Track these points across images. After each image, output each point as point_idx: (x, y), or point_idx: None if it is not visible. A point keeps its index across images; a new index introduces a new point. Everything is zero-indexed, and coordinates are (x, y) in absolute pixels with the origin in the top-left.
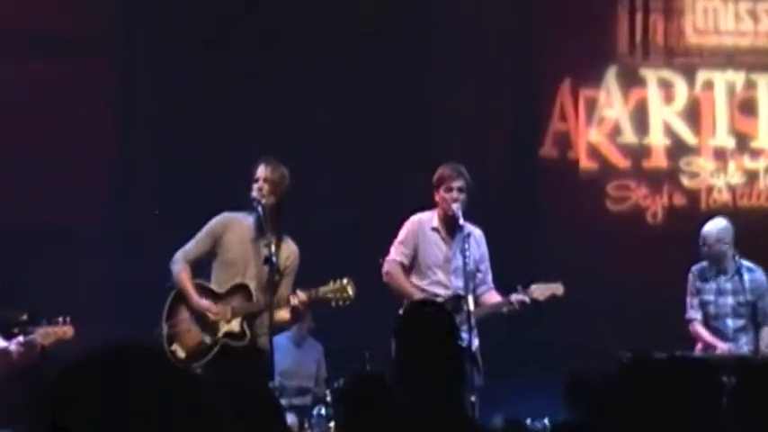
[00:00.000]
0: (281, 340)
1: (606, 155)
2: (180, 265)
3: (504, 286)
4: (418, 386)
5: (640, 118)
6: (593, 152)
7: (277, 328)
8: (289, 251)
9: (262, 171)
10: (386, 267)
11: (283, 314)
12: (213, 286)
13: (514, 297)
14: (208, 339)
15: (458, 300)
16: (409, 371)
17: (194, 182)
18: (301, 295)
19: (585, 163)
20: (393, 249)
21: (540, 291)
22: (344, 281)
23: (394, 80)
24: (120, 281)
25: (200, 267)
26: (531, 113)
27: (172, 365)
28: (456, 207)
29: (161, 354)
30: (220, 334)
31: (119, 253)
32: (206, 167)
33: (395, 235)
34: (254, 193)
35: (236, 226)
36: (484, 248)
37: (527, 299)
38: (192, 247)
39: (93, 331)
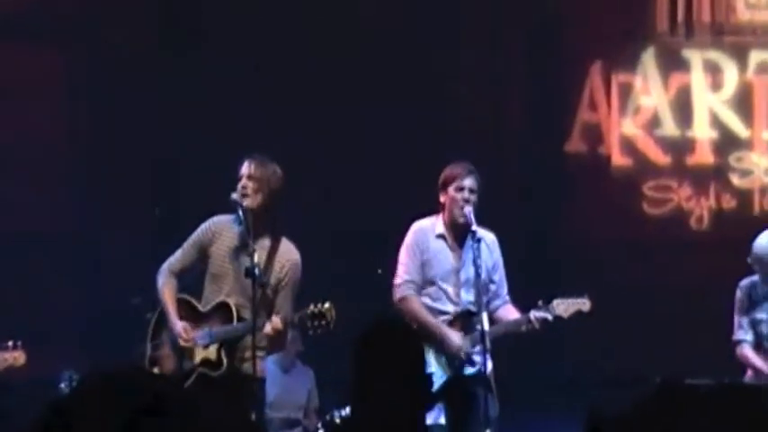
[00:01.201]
0: (268, 366)
1: (643, 150)
2: (164, 279)
3: (522, 302)
4: (375, 411)
5: (683, 107)
6: (628, 147)
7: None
8: (284, 260)
9: (245, 168)
10: (399, 292)
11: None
12: (199, 303)
13: (534, 314)
14: (185, 366)
15: (469, 316)
16: (366, 394)
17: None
18: (275, 321)
19: (619, 159)
20: (402, 268)
21: (564, 306)
22: (326, 305)
23: (400, 66)
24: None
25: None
26: (556, 102)
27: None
28: (468, 210)
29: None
30: (196, 361)
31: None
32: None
33: (401, 244)
34: (234, 195)
35: (225, 233)
36: (497, 256)
37: (549, 316)
38: (178, 257)
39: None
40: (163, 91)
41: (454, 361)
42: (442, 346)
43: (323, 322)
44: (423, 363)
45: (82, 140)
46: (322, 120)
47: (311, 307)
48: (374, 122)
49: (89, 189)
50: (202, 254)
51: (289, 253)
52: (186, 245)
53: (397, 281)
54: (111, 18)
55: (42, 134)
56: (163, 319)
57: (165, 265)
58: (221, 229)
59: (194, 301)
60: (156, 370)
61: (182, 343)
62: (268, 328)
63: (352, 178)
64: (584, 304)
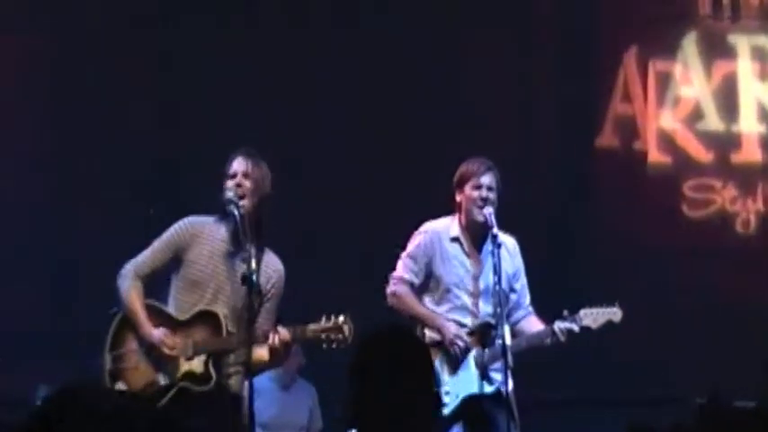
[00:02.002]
0: (264, 382)
1: (683, 146)
2: (129, 281)
3: (547, 312)
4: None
5: (728, 98)
6: (667, 142)
7: (254, 369)
8: (271, 271)
9: (241, 165)
10: (391, 287)
11: (261, 352)
12: (172, 311)
13: (559, 325)
14: (162, 380)
15: (488, 329)
16: (367, 412)
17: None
18: (283, 333)
19: (656, 156)
20: (400, 265)
21: (593, 317)
22: (341, 318)
23: (413, 54)
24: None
25: (157, 284)
26: (586, 92)
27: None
28: (487, 210)
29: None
30: (179, 374)
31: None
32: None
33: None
34: (230, 193)
35: (206, 235)
36: (519, 262)
37: (575, 327)
38: (147, 258)
39: None
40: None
41: (470, 378)
42: (447, 355)
43: (339, 336)
44: (430, 376)
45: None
46: (336, 118)
47: (324, 320)
48: (395, 123)
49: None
50: (177, 257)
51: (275, 264)
52: (157, 245)
53: (394, 275)
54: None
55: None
56: (124, 329)
57: (130, 266)
58: (201, 230)
59: (165, 308)
60: (120, 386)
61: (166, 351)
62: (274, 340)
63: (361, 180)
64: (614, 314)
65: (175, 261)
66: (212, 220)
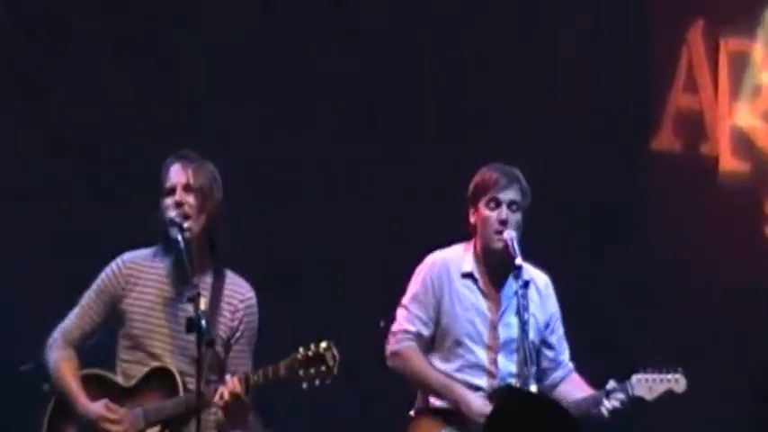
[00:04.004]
0: None
1: (765, 148)
2: (57, 352)
3: (589, 369)
4: None
5: None
6: (743, 144)
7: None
8: (236, 302)
9: (180, 175)
10: (393, 345)
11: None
12: (117, 377)
13: (605, 399)
14: None
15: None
16: None
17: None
18: (233, 383)
19: (730, 162)
20: (402, 314)
21: (649, 385)
22: (322, 345)
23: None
24: None
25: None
26: (638, 80)
27: None
28: (509, 235)
29: None
30: None
31: None
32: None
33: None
34: (171, 213)
35: (144, 276)
36: (553, 305)
37: (623, 397)
38: (76, 319)
39: None
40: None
41: None
42: (460, 417)
43: (322, 368)
44: None
45: None
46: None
47: (301, 351)
48: (401, 127)
49: None
50: (112, 310)
51: (241, 290)
52: (86, 301)
53: (395, 328)
54: None
55: None
56: (60, 412)
57: (57, 334)
58: (137, 270)
59: (109, 375)
60: None
61: (110, 428)
62: (224, 395)
63: (357, 194)
64: (676, 382)
65: (113, 315)
66: (150, 254)
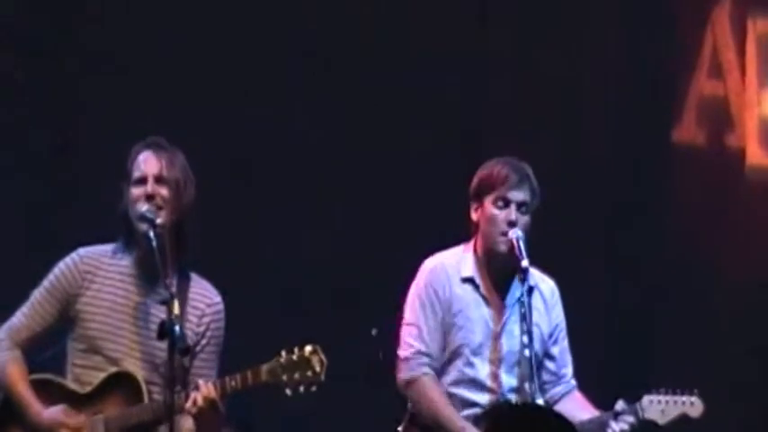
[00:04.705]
0: None
1: None
2: (5, 354)
3: (596, 388)
4: None
5: None
6: None
7: None
8: (203, 306)
9: (151, 164)
10: (407, 371)
11: (189, 425)
12: (71, 383)
13: (613, 421)
14: None
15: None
16: None
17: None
18: (205, 389)
19: (758, 154)
20: (412, 333)
21: (661, 408)
22: (307, 349)
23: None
24: None
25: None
26: (659, 65)
27: None
28: (514, 234)
29: None
30: None
31: None
32: None
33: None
34: (142, 208)
35: (102, 273)
36: (558, 315)
37: (633, 419)
38: (25, 318)
39: None
40: None
41: None
42: None
43: (308, 373)
44: None
45: None
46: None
47: (283, 355)
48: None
49: None
50: (66, 309)
51: (208, 295)
52: (38, 297)
53: (404, 353)
54: None
55: None
56: (9, 416)
57: (3, 334)
58: (95, 267)
59: (62, 381)
60: None
61: None
62: (198, 400)
63: (345, 191)
64: (692, 406)
65: (65, 314)
66: (110, 250)
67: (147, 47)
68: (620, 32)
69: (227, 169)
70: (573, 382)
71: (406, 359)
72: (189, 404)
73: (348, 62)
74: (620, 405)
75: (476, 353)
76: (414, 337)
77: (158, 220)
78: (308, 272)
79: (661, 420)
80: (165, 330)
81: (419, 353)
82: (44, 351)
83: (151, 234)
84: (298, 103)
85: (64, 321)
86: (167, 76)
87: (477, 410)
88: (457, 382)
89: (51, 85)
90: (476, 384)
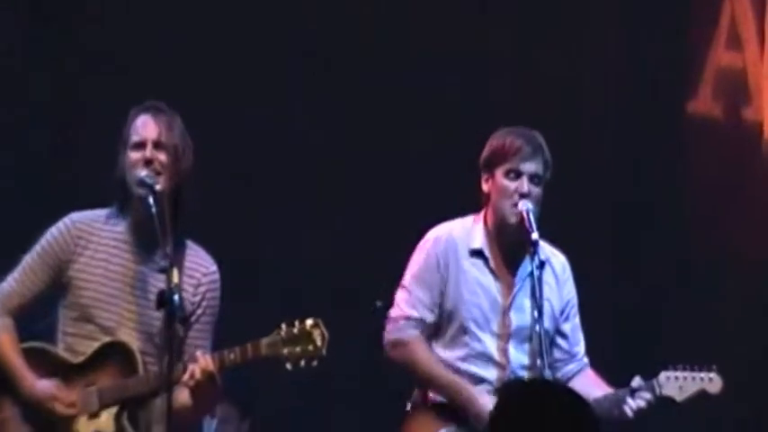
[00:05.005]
0: None
1: None
2: None
3: (610, 368)
4: None
5: None
6: None
7: (186, 416)
8: (199, 275)
9: (151, 129)
10: (393, 333)
11: (185, 397)
12: (63, 352)
13: (630, 397)
14: None
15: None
16: None
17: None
18: (204, 361)
19: None
20: (402, 296)
21: (679, 384)
22: (308, 322)
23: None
24: None
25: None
26: (674, 35)
27: None
28: (524, 206)
29: None
30: None
31: None
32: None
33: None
34: (141, 173)
35: (95, 239)
36: (570, 291)
37: (650, 396)
38: (16, 284)
39: None
40: None
41: None
42: (465, 422)
43: (309, 347)
44: None
45: None
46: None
47: (284, 328)
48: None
49: None
50: (58, 275)
51: (204, 264)
52: (29, 263)
53: (394, 313)
54: None
55: None
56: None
57: None
58: (88, 233)
59: (53, 350)
60: None
61: (59, 410)
62: (195, 373)
63: (346, 166)
64: (710, 381)
65: (57, 281)
66: (104, 216)
67: (147, 47)
68: (620, 32)
69: (227, 169)
70: (585, 360)
71: (394, 320)
72: (186, 377)
73: (348, 62)
74: (636, 381)
75: (483, 328)
76: (404, 302)
77: (157, 186)
78: (308, 272)
79: (679, 397)
80: (164, 299)
81: (407, 317)
82: (37, 322)
83: (150, 200)
84: (298, 103)
85: (56, 288)
86: (167, 76)
87: (486, 387)
88: (465, 357)
89: (51, 85)
90: (484, 358)
